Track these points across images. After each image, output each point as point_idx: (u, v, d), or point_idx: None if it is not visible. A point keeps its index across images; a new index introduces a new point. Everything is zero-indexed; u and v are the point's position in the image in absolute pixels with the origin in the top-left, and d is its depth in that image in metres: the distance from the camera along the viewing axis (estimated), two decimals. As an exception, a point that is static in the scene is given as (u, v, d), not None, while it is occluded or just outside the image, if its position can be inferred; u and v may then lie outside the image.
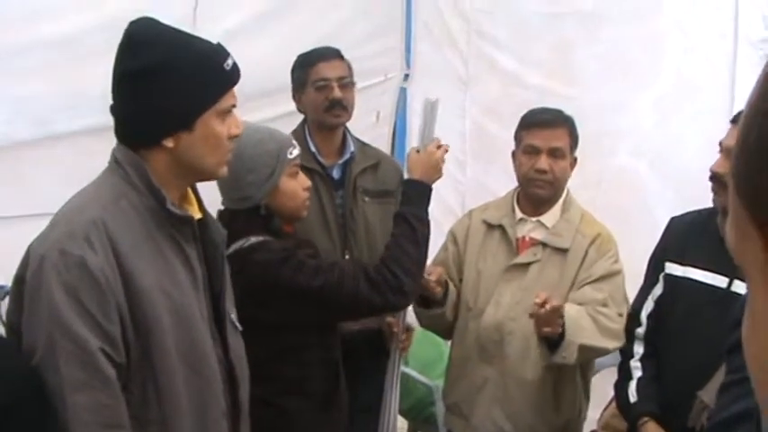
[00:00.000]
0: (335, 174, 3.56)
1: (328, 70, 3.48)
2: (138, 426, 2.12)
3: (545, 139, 3.20)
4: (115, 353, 2.03)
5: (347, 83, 3.51)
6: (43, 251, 2.04)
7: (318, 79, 3.46)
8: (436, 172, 3.08)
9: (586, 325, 3.05)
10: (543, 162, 3.20)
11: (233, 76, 2.22)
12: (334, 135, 3.56)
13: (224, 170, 2.28)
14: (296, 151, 2.86)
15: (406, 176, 3.16)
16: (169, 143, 2.14)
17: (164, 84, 2.12)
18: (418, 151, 3.12)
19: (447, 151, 3.14)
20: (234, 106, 2.24)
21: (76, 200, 2.17)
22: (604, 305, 3.13)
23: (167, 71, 2.12)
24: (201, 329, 2.23)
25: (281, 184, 2.83)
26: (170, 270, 2.16)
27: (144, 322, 2.08)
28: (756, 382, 0.53)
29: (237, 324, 2.43)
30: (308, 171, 3.39)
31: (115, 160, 2.19)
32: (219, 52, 2.21)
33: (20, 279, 2.09)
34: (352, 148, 3.57)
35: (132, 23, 2.18)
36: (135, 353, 2.09)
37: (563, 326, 2.99)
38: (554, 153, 3.20)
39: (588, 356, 3.17)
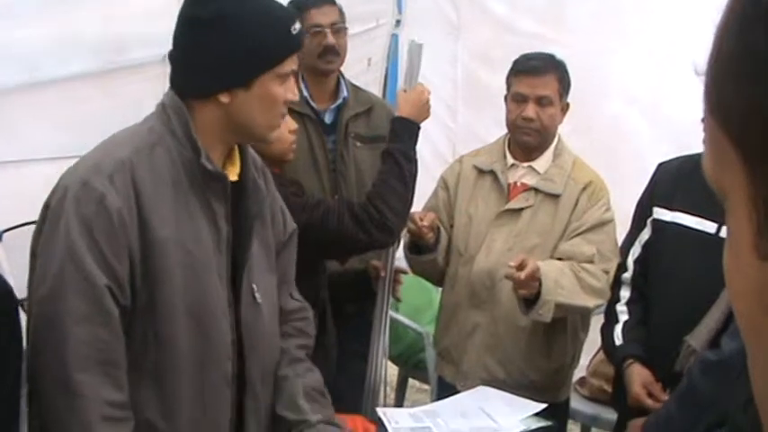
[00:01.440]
0: (328, 118, 3.55)
1: (320, 16, 3.46)
2: (134, 370, 2.13)
3: (532, 86, 3.20)
4: (120, 293, 2.05)
5: (339, 28, 3.50)
6: (69, 182, 2.06)
7: (312, 26, 3.44)
8: (425, 111, 3.08)
9: (566, 283, 3.06)
10: (530, 110, 3.19)
11: (297, 40, 2.20)
12: (327, 80, 3.55)
13: (274, 134, 2.27)
14: None
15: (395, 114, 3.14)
16: (224, 98, 2.13)
17: (228, 37, 2.10)
18: (406, 91, 3.12)
19: (430, 94, 3.12)
20: (294, 71, 2.21)
21: (115, 137, 2.17)
22: (591, 261, 3.15)
23: (235, 25, 2.10)
24: (217, 290, 2.20)
25: None
26: (194, 225, 2.14)
27: (153, 271, 2.08)
28: (738, 316, 0.53)
29: (258, 297, 2.34)
30: (299, 116, 3.39)
31: (162, 104, 2.18)
32: (288, 15, 2.20)
33: (46, 205, 2.10)
34: (345, 93, 3.56)
35: None
36: (141, 299, 2.09)
37: (540, 285, 3.01)
38: (541, 101, 3.20)
39: (567, 314, 3.19)
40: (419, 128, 3.05)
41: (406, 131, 3.01)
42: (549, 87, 3.20)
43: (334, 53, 3.46)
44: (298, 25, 2.19)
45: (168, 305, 2.11)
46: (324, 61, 3.45)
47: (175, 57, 2.18)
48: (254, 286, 2.33)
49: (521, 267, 2.95)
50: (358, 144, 3.53)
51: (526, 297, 3.05)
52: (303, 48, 3.41)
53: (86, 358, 2.01)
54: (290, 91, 2.20)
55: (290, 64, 2.19)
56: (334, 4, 3.52)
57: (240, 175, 2.30)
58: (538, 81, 3.20)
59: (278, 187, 2.80)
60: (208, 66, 2.13)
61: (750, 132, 0.47)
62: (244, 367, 2.34)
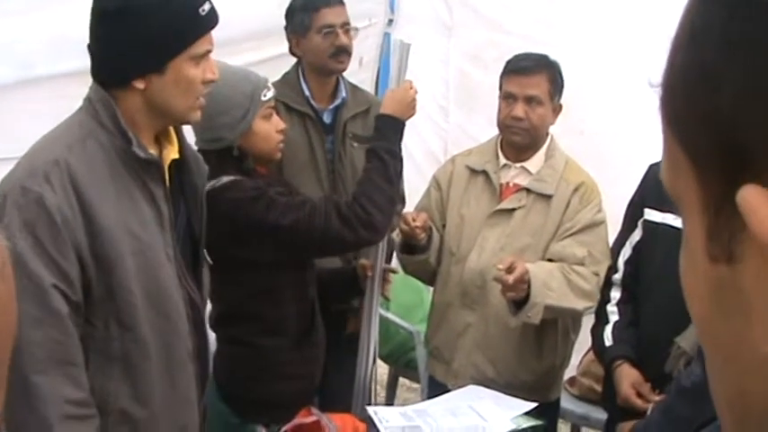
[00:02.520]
0: (326, 118, 3.57)
1: (333, 16, 3.48)
2: (103, 360, 2.17)
3: (521, 86, 3.21)
4: (70, 290, 2.07)
5: (349, 28, 3.52)
6: (7, 189, 2.09)
7: (325, 25, 3.45)
8: (410, 109, 3.07)
9: (555, 285, 3.08)
10: (519, 109, 3.20)
11: (208, 21, 2.23)
12: (329, 80, 3.57)
13: (196, 115, 2.30)
14: (270, 93, 2.86)
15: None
16: (140, 84, 2.17)
17: (136, 25, 2.14)
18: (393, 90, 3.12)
19: (416, 92, 3.11)
20: (209, 51, 2.25)
21: (44, 138, 2.21)
22: (582, 263, 3.16)
23: (140, 13, 2.14)
24: (168, 271, 2.26)
25: (254, 125, 2.83)
26: (136, 209, 2.19)
27: (106, 261, 2.12)
28: (695, 320, 0.55)
29: (208, 258, 2.51)
30: (300, 115, 3.41)
31: (88, 98, 2.22)
32: None
33: None
34: (344, 93, 3.58)
35: None
36: (98, 291, 2.13)
37: (529, 287, 3.02)
38: (530, 101, 3.20)
39: (556, 316, 3.20)
40: (404, 125, 3.04)
41: (390, 128, 3.00)
42: (538, 87, 3.21)
43: (346, 53, 3.49)
44: (207, 6, 2.22)
45: (125, 291, 2.15)
46: (336, 61, 3.48)
47: (92, 49, 2.23)
48: (205, 251, 2.48)
49: (509, 270, 2.96)
50: (355, 144, 3.53)
51: (515, 299, 3.06)
52: (312, 46, 3.46)
53: (41, 360, 2.04)
54: (208, 71, 2.25)
55: (204, 45, 2.23)
56: (344, 4, 3.53)
57: (180, 152, 2.37)
58: (527, 81, 3.21)
59: (264, 187, 2.81)
60: (119, 54, 2.17)
61: (699, 141, 0.49)
62: (203, 333, 2.46)
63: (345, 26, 3.50)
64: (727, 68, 0.46)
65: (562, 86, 3.27)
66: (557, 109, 3.28)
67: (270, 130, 2.88)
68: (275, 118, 2.92)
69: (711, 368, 0.55)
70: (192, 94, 2.24)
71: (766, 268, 0.46)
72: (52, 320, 2.05)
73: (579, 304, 3.16)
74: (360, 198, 2.85)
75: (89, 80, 2.24)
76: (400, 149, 3.01)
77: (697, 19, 0.50)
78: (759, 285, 0.46)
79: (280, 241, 2.81)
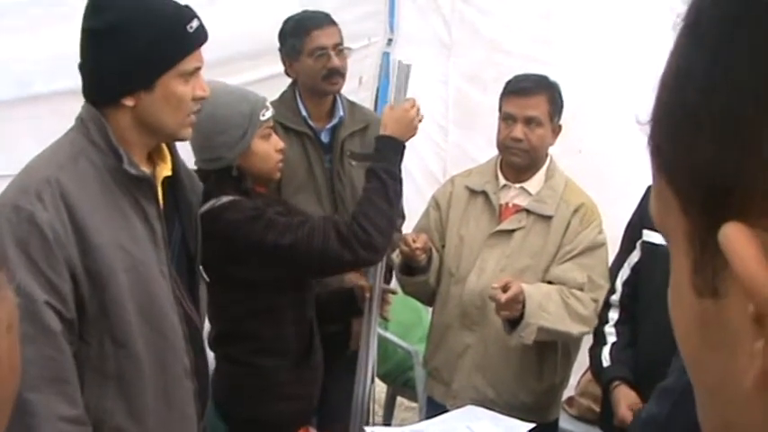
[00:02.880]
0: (324, 137, 3.56)
1: (324, 38, 3.46)
2: (98, 377, 2.18)
3: (521, 107, 3.20)
4: (64, 307, 2.08)
5: (342, 49, 3.50)
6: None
7: (316, 48, 3.44)
8: (410, 129, 3.05)
9: (552, 308, 3.07)
10: (518, 131, 3.20)
11: (197, 38, 2.23)
12: (325, 100, 3.56)
13: (187, 132, 2.30)
14: (269, 113, 2.86)
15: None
16: (129, 102, 2.18)
17: (124, 43, 2.15)
18: (392, 108, 3.11)
19: (419, 111, 3.10)
20: (198, 68, 2.25)
21: (37, 158, 2.21)
22: (581, 288, 3.15)
23: (127, 31, 2.15)
24: (162, 287, 2.26)
25: (253, 145, 2.83)
26: (128, 226, 2.19)
27: (99, 278, 2.12)
28: (683, 353, 0.55)
29: (205, 276, 2.50)
30: (298, 135, 3.41)
31: (80, 117, 2.23)
32: (183, 14, 2.22)
33: None
34: (341, 112, 3.57)
35: None
36: (91, 308, 2.13)
37: (524, 307, 3.01)
38: (529, 122, 3.20)
39: (550, 338, 3.18)
40: (404, 146, 3.03)
41: (390, 149, 3.00)
42: (538, 108, 3.21)
43: (339, 75, 3.47)
44: (195, 23, 2.22)
45: (119, 308, 2.15)
46: (329, 83, 3.46)
47: (82, 68, 2.24)
48: (201, 267, 2.48)
49: (504, 289, 2.95)
50: (353, 163, 3.53)
51: (508, 318, 3.06)
52: (305, 68, 3.45)
53: (35, 377, 2.03)
54: (198, 88, 2.25)
55: (193, 62, 2.23)
56: (335, 24, 3.52)
57: (173, 169, 2.38)
58: (526, 102, 3.21)
59: (263, 207, 2.81)
60: (108, 72, 2.19)
61: (683, 177, 0.50)
62: (202, 352, 2.47)
63: (338, 47, 3.48)
64: (708, 109, 0.47)
65: (561, 107, 3.27)
66: (556, 130, 3.27)
67: (269, 149, 2.88)
68: (274, 137, 2.92)
69: (698, 400, 0.55)
70: (183, 111, 2.24)
71: (750, 305, 0.46)
72: (45, 338, 2.05)
73: (575, 329, 3.15)
74: (359, 218, 2.84)
75: (84, 97, 2.26)
76: (400, 170, 3.00)
77: (682, 60, 0.51)
78: (743, 320, 0.46)
79: (279, 261, 2.80)
